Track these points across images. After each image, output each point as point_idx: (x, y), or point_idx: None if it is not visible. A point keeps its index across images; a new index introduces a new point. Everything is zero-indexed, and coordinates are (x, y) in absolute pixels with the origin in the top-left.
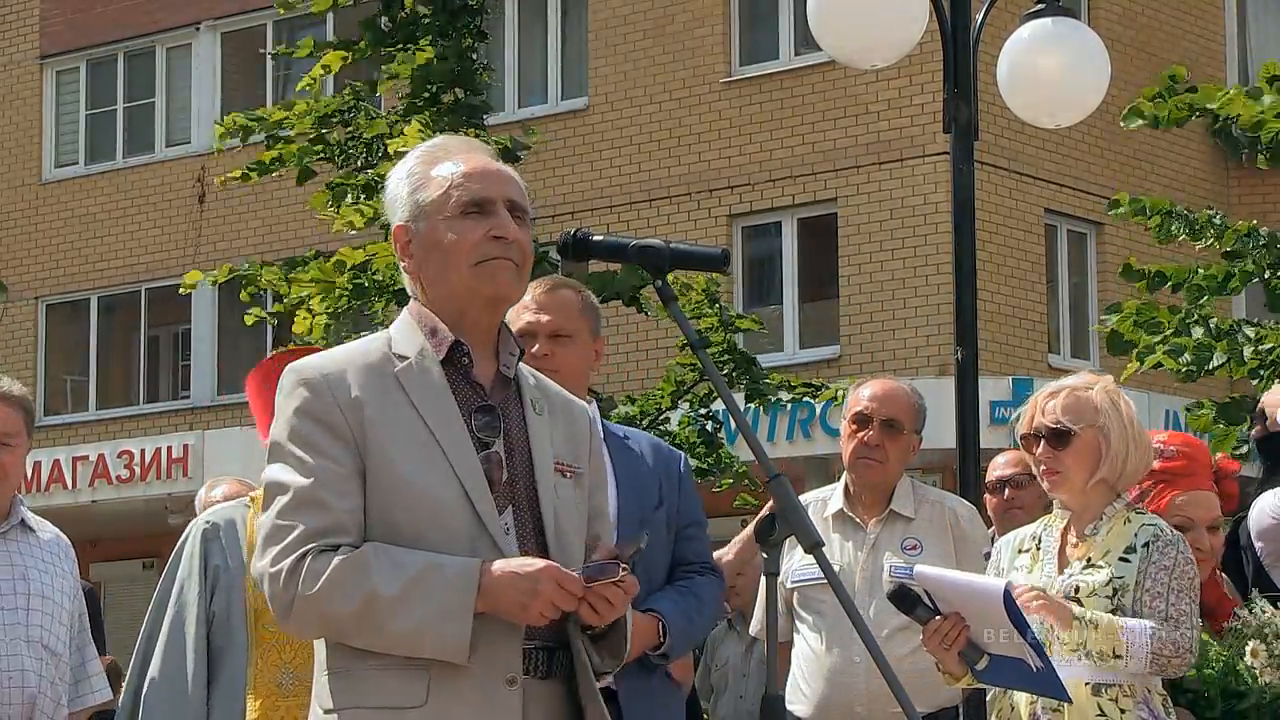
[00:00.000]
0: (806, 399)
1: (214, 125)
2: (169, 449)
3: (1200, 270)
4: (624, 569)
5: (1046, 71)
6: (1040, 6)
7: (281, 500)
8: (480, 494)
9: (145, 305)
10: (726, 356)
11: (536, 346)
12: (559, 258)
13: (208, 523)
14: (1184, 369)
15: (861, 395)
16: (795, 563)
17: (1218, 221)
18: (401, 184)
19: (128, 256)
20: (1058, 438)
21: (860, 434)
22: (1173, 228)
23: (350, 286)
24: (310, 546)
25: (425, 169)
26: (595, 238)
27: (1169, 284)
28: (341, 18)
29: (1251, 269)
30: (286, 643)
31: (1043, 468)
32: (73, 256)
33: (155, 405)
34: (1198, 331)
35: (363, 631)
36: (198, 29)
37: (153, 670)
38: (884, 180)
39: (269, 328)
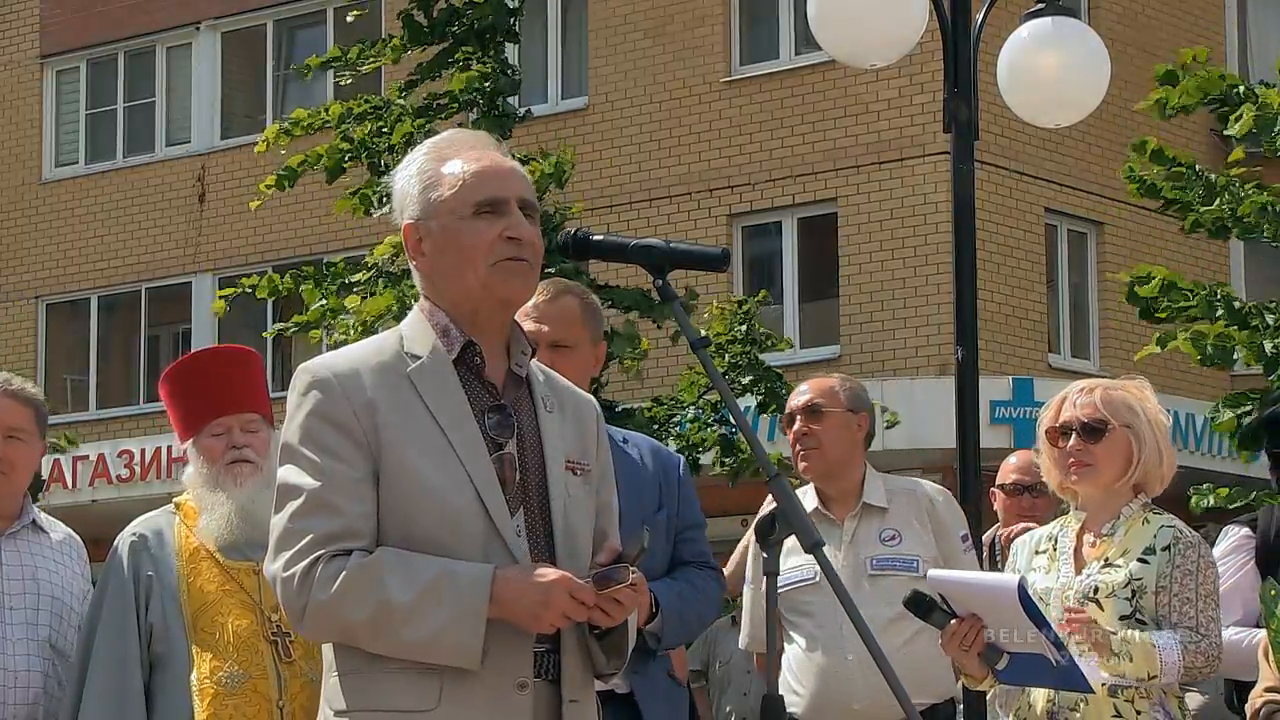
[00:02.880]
0: None
1: (266, 128)
2: (169, 449)
3: (1200, 209)
4: (633, 572)
5: (1046, 71)
6: (1040, 6)
7: (293, 503)
8: (493, 497)
9: (145, 305)
10: (750, 376)
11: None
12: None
13: (135, 534)
14: (1207, 356)
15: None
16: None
17: (1235, 187)
18: (412, 181)
19: (128, 256)
20: (1091, 432)
21: (791, 429)
22: (1185, 188)
23: (395, 304)
24: (322, 551)
25: (436, 166)
26: (595, 238)
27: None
28: (342, 17)
29: (1252, 224)
30: (228, 643)
31: (1071, 460)
32: (73, 256)
33: (155, 405)
34: (1204, 326)
35: (376, 638)
36: (198, 29)
37: (90, 688)
38: (884, 180)
39: (268, 329)
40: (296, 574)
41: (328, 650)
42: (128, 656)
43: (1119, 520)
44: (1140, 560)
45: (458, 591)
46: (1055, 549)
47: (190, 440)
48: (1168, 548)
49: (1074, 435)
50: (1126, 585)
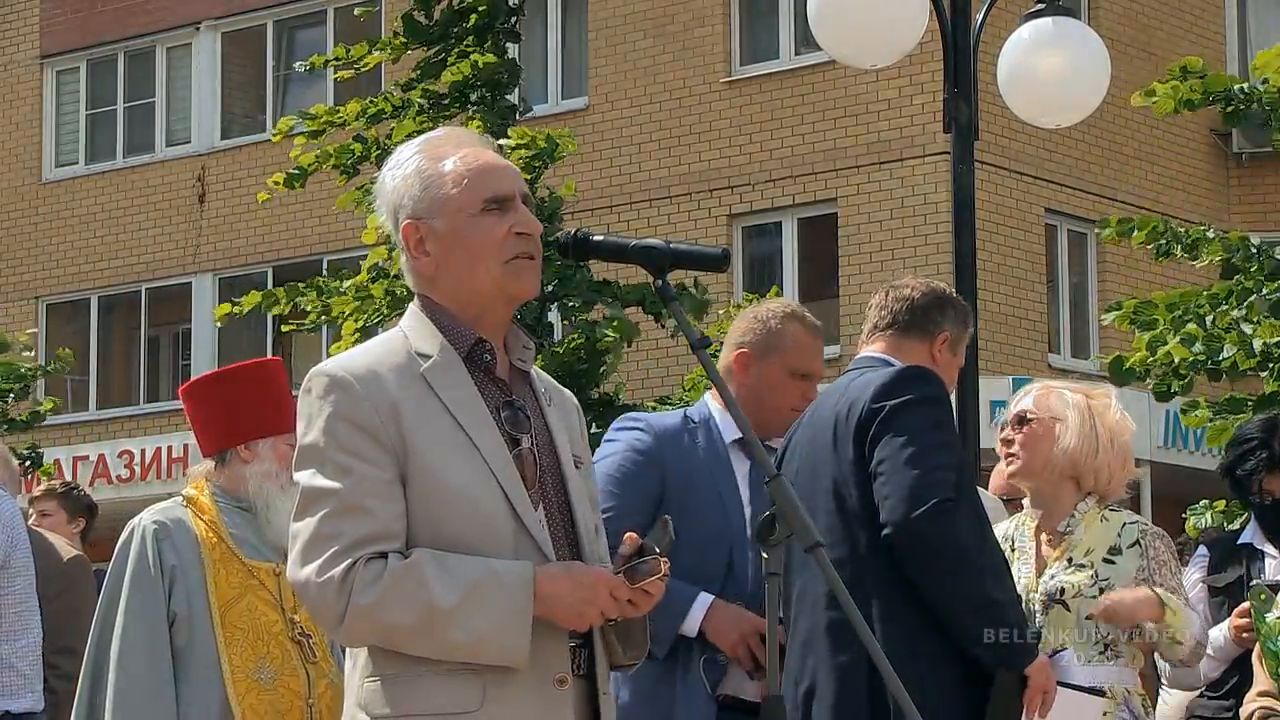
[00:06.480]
0: None
1: (276, 123)
2: (169, 449)
3: (1203, 292)
4: (665, 564)
5: (1046, 71)
6: (1040, 6)
7: (322, 507)
8: (518, 496)
9: (145, 305)
10: None
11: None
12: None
13: (155, 522)
14: (1195, 359)
15: None
16: None
17: (1211, 236)
18: (411, 180)
19: (128, 256)
20: (1020, 423)
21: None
22: (1173, 249)
23: (386, 296)
24: (359, 555)
25: (434, 164)
26: (595, 238)
27: (1170, 308)
28: (342, 18)
29: (1250, 284)
30: (259, 637)
31: (1007, 454)
32: (73, 256)
33: (155, 405)
34: (1193, 329)
35: (421, 642)
36: (198, 29)
37: (117, 677)
38: (884, 180)
39: (269, 330)
40: (334, 578)
41: (359, 654)
42: (157, 641)
43: (1074, 518)
44: (1106, 560)
45: (502, 591)
46: (1014, 549)
47: (268, 439)
48: (1137, 543)
49: (1008, 428)
50: (1093, 585)
